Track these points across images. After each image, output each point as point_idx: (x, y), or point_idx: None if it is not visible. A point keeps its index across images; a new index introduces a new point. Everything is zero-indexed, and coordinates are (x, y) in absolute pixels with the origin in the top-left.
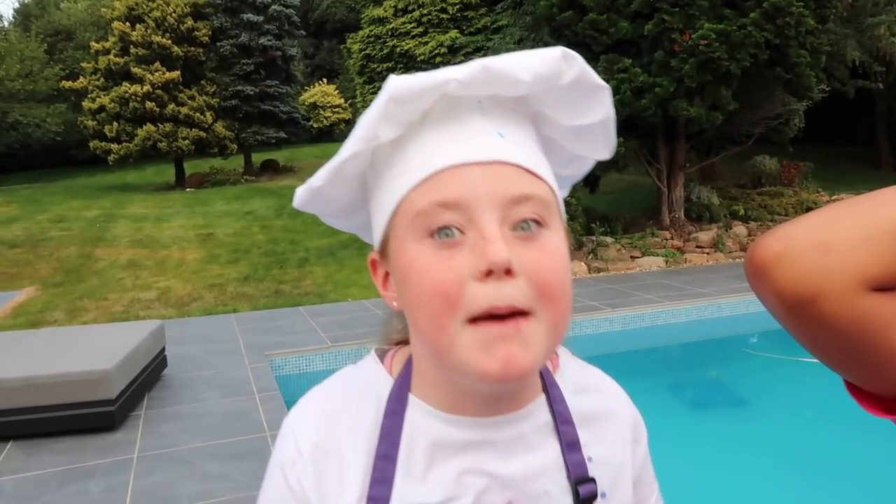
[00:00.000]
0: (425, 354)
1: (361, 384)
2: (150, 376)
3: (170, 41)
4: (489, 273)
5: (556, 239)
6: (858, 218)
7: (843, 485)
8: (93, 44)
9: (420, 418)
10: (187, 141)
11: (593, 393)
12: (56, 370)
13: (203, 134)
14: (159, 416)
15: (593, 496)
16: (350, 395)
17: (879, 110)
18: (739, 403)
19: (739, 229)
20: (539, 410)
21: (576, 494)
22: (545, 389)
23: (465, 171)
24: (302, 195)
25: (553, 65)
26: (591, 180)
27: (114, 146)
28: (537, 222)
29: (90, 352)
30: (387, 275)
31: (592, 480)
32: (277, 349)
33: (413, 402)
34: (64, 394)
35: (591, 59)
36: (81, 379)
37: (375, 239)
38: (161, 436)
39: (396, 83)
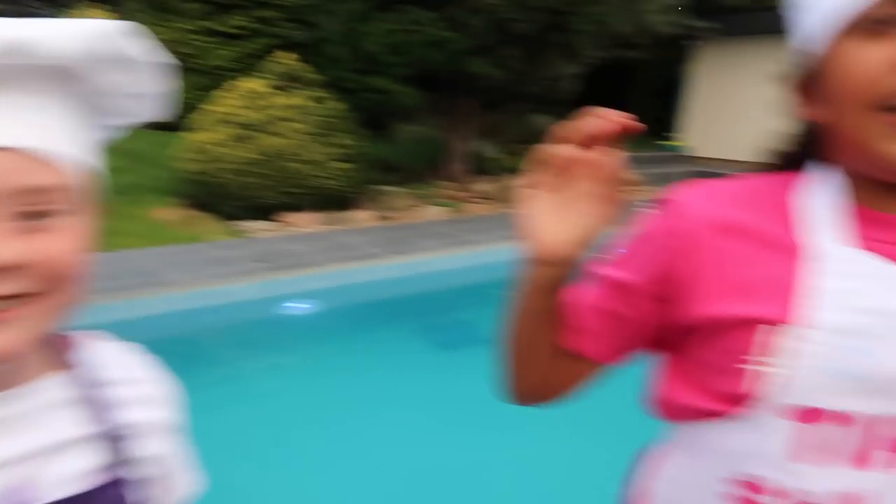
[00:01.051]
0: None
1: None
2: None
3: None
4: None
5: (71, 223)
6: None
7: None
8: None
9: None
10: None
11: (121, 369)
12: None
13: None
14: None
15: (119, 466)
16: None
17: (639, 79)
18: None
19: (516, 182)
20: (50, 388)
21: (104, 468)
22: (67, 367)
23: None
24: None
25: (105, 42)
26: (380, 129)
27: None
28: (48, 213)
29: None
30: None
31: (119, 454)
32: None
33: None
34: None
35: (388, 8)
36: None
37: None
38: None
39: None
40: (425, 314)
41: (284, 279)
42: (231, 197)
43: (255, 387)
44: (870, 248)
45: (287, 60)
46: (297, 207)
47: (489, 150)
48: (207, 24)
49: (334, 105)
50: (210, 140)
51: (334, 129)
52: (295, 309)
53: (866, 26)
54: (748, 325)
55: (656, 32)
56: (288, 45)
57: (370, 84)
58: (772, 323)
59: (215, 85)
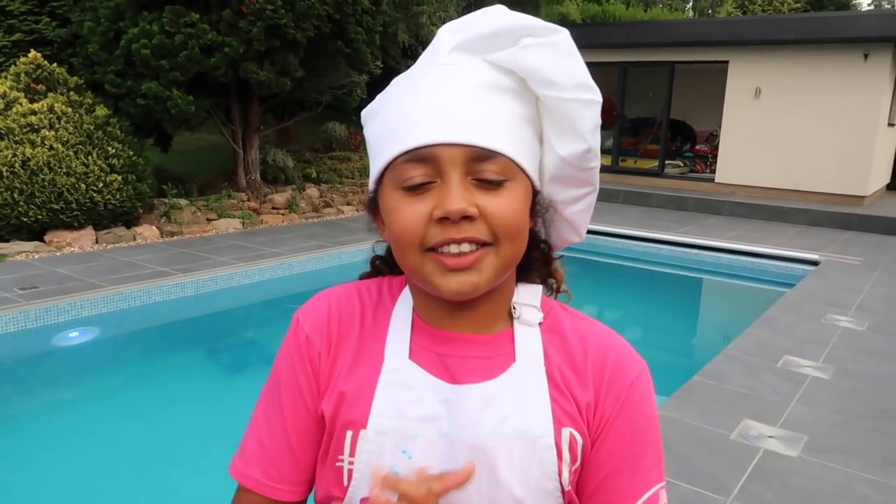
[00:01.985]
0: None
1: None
2: None
3: None
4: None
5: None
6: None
7: None
8: None
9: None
10: None
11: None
12: None
13: None
14: None
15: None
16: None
17: None
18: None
19: (312, 191)
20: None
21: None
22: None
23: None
24: None
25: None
26: (163, 139)
27: None
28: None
29: None
30: None
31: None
32: None
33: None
34: None
35: (156, 7)
36: None
37: None
38: None
39: None
40: (217, 335)
41: (57, 305)
42: None
43: (29, 429)
44: (422, 358)
45: (38, 61)
46: (70, 226)
47: (283, 158)
48: None
49: (97, 111)
50: None
51: (98, 138)
52: (71, 338)
53: (405, 186)
54: (342, 428)
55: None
56: (39, 43)
57: (137, 89)
58: (354, 427)
59: None
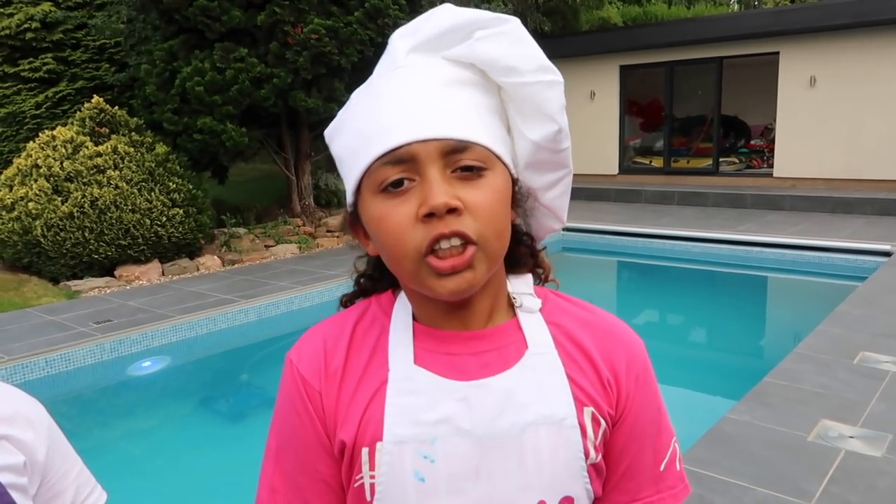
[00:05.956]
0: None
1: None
2: None
3: None
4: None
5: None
6: None
7: None
8: None
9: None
10: None
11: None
12: None
13: None
14: None
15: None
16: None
17: None
18: None
19: None
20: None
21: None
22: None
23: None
24: None
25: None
26: (219, 171)
27: None
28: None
29: None
30: None
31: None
32: None
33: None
34: None
35: (206, 46)
36: None
37: None
38: None
39: None
40: (281, 358)
41: (129, 337)
42: (57, 256)
43: (108, 458)
44: (429, 361)
45: (101, 105)
46: (137, 260)
47: (335, 182)
48: (5, 68)
49: (157, 149)
50: (21, 196)
51: (159, 174)
52: (145, 368)
53: (385, 189)
54: (357, 448)
55: None
56: (101, 88)
57: (192, 125)
58: (371, 443)
59: (21, 135)
